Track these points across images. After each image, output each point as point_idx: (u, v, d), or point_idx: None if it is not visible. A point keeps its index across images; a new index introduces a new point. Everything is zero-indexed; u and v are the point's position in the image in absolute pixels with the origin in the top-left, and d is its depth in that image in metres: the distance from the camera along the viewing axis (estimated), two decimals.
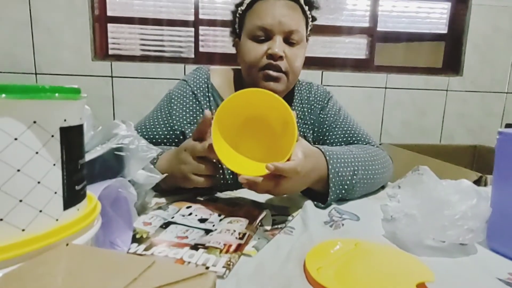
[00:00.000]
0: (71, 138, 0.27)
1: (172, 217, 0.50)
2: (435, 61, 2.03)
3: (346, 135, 0.75)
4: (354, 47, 2.00)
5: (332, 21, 1.94)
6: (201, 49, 1.89)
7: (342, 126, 0.77)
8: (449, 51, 2.00)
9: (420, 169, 0.49)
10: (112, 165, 0.45)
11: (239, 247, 0.41)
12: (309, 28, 0.78)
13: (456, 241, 0.42)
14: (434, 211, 0.44)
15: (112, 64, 1.78)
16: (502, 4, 1.88)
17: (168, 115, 0.73)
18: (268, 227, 0.49)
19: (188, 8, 1.88)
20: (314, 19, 0.79)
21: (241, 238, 0.43)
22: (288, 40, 0.70)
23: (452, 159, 1.52)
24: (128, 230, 0.43)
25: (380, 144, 0.93)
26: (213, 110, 0.73)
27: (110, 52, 1.88)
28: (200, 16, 1.87)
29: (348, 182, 0.59)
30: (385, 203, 0.49)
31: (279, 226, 0.50)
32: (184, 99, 0.74)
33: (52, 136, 0.25)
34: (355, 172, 0.60)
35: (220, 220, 0.50)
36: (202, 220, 0.49)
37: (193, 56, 1.91)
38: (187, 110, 0.73)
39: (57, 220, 0.26)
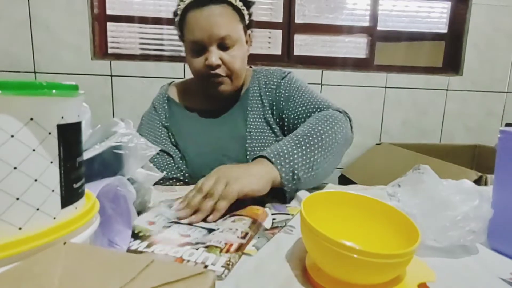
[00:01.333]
0: (69, 135, 0.27)
1: (177, 217, 0.50)
2: (435, 61, 2.02)
3: (305, 106, 0.77)
4: (354, 47, 2.00)
5: (332, 20, 1.93)
6: None
7: (299, 98, 0.78)
8: (449, 50, 2.00)
9: (421, 168, 0.48)
10: (111, 163, 0.45)
11: (241, 247, 0.40)
12: (248, 18, 0.80)
13: (457, 242, 0.42)
14: (435, 211, 0.44)
15: (112, 63, 1.77)
16: (502, 3, 1.88)
17: (139, 131, 0.85)
18: (268, 226, 0.49)
19: None
20: (249, 4, 0.80)
21: (243, 237, 0.42)
22: (222, 45, 0.74)
23: (452, 158, 1.52)
24: (127, 229, 0.43)
25: (380, 144, 0.95)
26: (167, 112, 0.85)
27: (110, 51, 1.88)
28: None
29: (299, 164, 0.59)
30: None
31: (279, 225, 0.49)
32: (149, 115, 0.87)
33: (49, 133, 0.25)
34: (305, 155, 0.60)
35: (224, 219, 0.49)
36: (205, 220, 0.49)
37: None
38: (150, 123, 0.85)
39: (54, 218, 0.26)
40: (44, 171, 0.25)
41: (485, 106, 1.97)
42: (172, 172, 0.76)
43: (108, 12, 1.84)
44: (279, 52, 1.91)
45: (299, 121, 0.77)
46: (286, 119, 0.80)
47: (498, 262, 0.41)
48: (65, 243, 0.24)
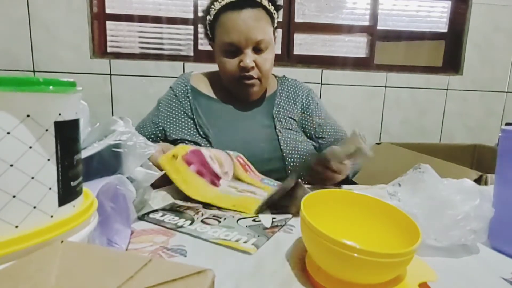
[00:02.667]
0: (66, 132, 0.26)
1: None
2: (435, 60, 2.02)
3: (337, 133, 0.88)
4: (354, 46, 1.99)
5: (332, 20, 1.93)
6: (200, 47, 1.88)
7: (332, 125, 0.89)
8: (449, 50, 2.00)
9: (421, 167, 0.48)
10: (109, 162, 0.44)
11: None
12: (276, 21, 0.83)
13: (458, 242, 0.42)
14: (436, 210, 0.43)
15: (111, 62, 1.77)
16: (502, 3, 1.87)
17: (155, 115, 0.84)
18: (268, 225, 0.49)
19: (187, 5, 1.87)
20: (279, 8, 0.83)
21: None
22: (257, 48, 0.77)
23: (452, 158, 1.51)
24: (126, 228, 0.43)
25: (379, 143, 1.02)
26: (192, 103, 0.83)
27: (109, 50, 1.87)
28: (200, 14, 1.85)
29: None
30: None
31: (279, 224, 0.49)
32: (169, 101, 0.85)
33: (46, 130, 0.24)
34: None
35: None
36: None
37: (192, 54, 1.90)
38: (170, 110, 0.83)
39: (51, 216, 0.25)
40: (41, 169, 0.24)
41: (485, 105, 1.97)
42: None
43: (108, 11, 1.84)
44: (278, 51, 1.91)
45: (326, 145, 0.86)
46: (314, 136, 0.87)
47: (500, 262, 0.41)
48: (62, 241, 0.24)
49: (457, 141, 1.97)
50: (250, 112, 0.85)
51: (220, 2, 0.76)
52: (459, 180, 0.47)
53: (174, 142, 0.78)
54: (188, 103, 0.83)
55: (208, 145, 0.77)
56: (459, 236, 0.41)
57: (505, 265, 0.40)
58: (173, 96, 0.85)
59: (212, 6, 0.77)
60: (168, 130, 0.81)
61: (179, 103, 0.84)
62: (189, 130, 0.80)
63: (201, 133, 0.79)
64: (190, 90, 0.85)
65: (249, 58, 0.75)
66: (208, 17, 0.79)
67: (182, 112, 0.82)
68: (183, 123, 0.81)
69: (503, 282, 0.36)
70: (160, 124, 0.82)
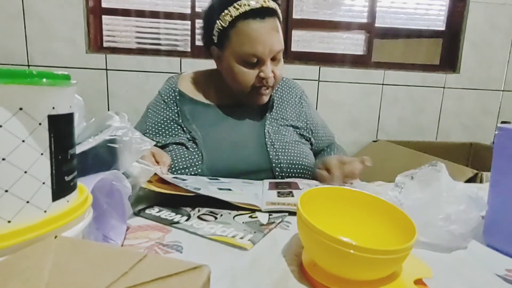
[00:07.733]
0: (60, 126, 0.26)
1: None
2: (432, 58, 2.02)
3: (328, 138, 0.92)
4: (352, 43, 1.99)
5: (330, 17, 1.92)
6: (197, 43, 1.87)
7: (322, 129, 0.91)
8: (446, 48, 2.00)
9: (438, 165, 0.48)
10: (105, 157, 0.44)
11: None
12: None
13: (435, 241, 0.42)
14: (425, 207, 0.43)
15: (107, 57, 1.75)
16: (500, 1, 1.88)
17: (144, 122, 0.84)
18: (264, 222, 0.49)
19: (185, 0, 1.85)
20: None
21: None
22: (274, 57, 0.75)
23: (448, 156, 1.52)
24: (122, 224, 0.42)
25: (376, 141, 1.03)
26: (181, 108, 0.82)
27: (105, 44, 1.85)
28: (197, 9, 1.84)
29: None
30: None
31: (276, 220, 0.49)
32: (157, 107, 0.84)
33: (40, 124, 0.24)
34: None
35: None
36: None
37: (189, 49, 1.89)
38: (159, 115, 0.83)
39: (45, 211, 0.25)
40: (34, 163, 0.24)
41: (481, 104, 1.98)
42: (188, 165, 0.73)
43: (104, 4, 1.81)
44: None
45: (316, 148, 0.89)
46: (308, 136, 0.87)
47: (494, 259, 0.41)
48: (56, 237, 0.23)
49: (453, 139, 1.98)
50: (240, 113, 0.83)
51: (238, 9, 0.70)
52: (468, 184, 0.47)
53: (162, 148, 0.77)
54: (176, 108, 0.82)
55: (195, 147, 0.75)
56: (436, 234, 0.41)
57: (499, 262, 0.40)
58: (161, 101, 0.84)
59: (226, 12, 0.71)
60: (155, 137, 0.79)
61: (167, 108, 0.83)
62: (177, 135, 0.79)
63: (188, 136, 0.78)
64: (178, 95, 0.83)
65: (269, 69, 0.74)
66: (219, 21, 0.72)
67: (171, 117, 0.81)
68: (171, 128, 0.80)
69: (497, 278, 0.36)
70: (147, 132, 0.81)
